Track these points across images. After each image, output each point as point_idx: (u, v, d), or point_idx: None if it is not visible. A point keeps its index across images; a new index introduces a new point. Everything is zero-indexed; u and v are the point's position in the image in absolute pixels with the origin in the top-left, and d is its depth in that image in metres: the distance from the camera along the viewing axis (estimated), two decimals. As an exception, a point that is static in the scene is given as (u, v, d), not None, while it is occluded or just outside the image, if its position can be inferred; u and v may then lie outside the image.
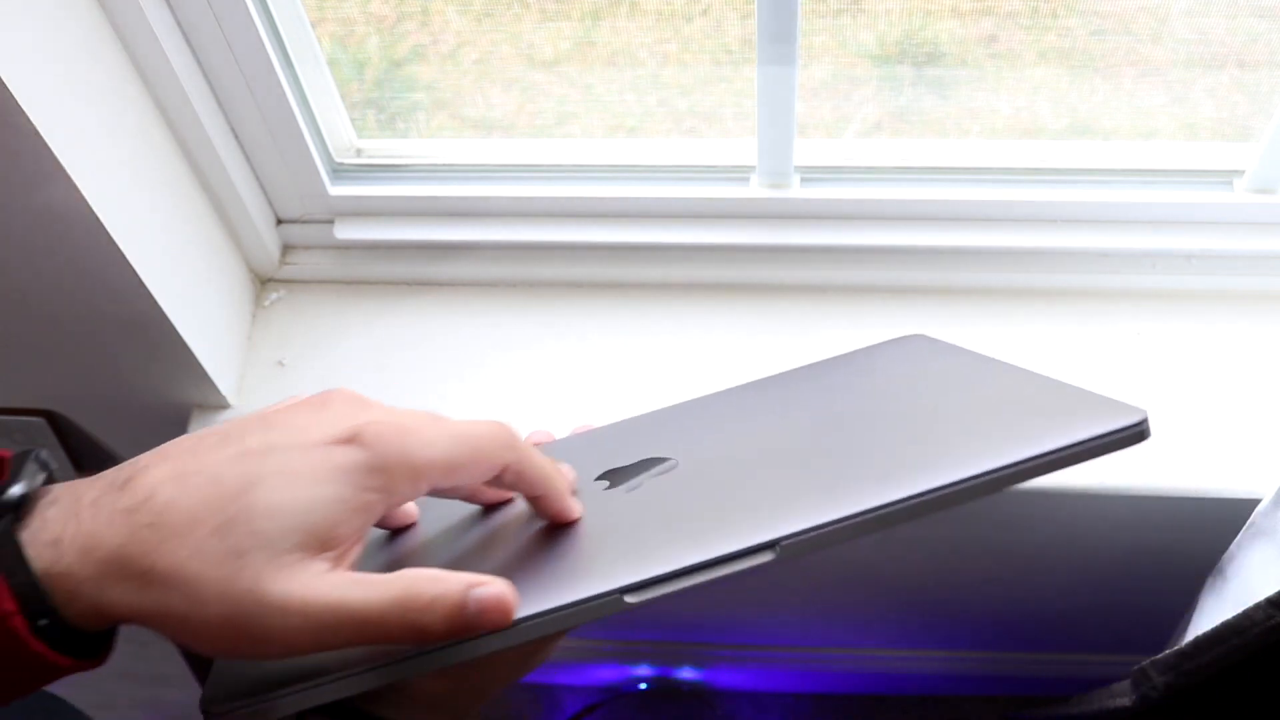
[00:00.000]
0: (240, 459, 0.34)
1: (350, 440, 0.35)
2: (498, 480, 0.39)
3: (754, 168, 0.71)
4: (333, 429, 0.35)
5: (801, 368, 0.57)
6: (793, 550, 0.37)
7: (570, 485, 0.43)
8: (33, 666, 0.33)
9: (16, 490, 0.33)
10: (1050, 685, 1.09)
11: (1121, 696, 0.59)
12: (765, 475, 0.43)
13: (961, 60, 0.67)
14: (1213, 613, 0.63)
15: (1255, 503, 0.63)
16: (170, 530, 0.32)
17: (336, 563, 0.35)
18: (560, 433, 0.54)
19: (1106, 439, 0.38)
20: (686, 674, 1.15)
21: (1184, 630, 0.67)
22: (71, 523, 0.33)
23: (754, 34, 0.62)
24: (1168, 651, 0.56)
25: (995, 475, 0.37)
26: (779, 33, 0.62)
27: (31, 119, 0.51)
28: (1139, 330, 0.71)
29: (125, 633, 0.37)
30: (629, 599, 0.37)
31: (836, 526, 0.37)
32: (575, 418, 0.57)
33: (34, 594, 0.32)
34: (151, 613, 0.33)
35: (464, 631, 0.35)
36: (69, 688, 0.48)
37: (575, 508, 0.42)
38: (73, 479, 0.35)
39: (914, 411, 0.47)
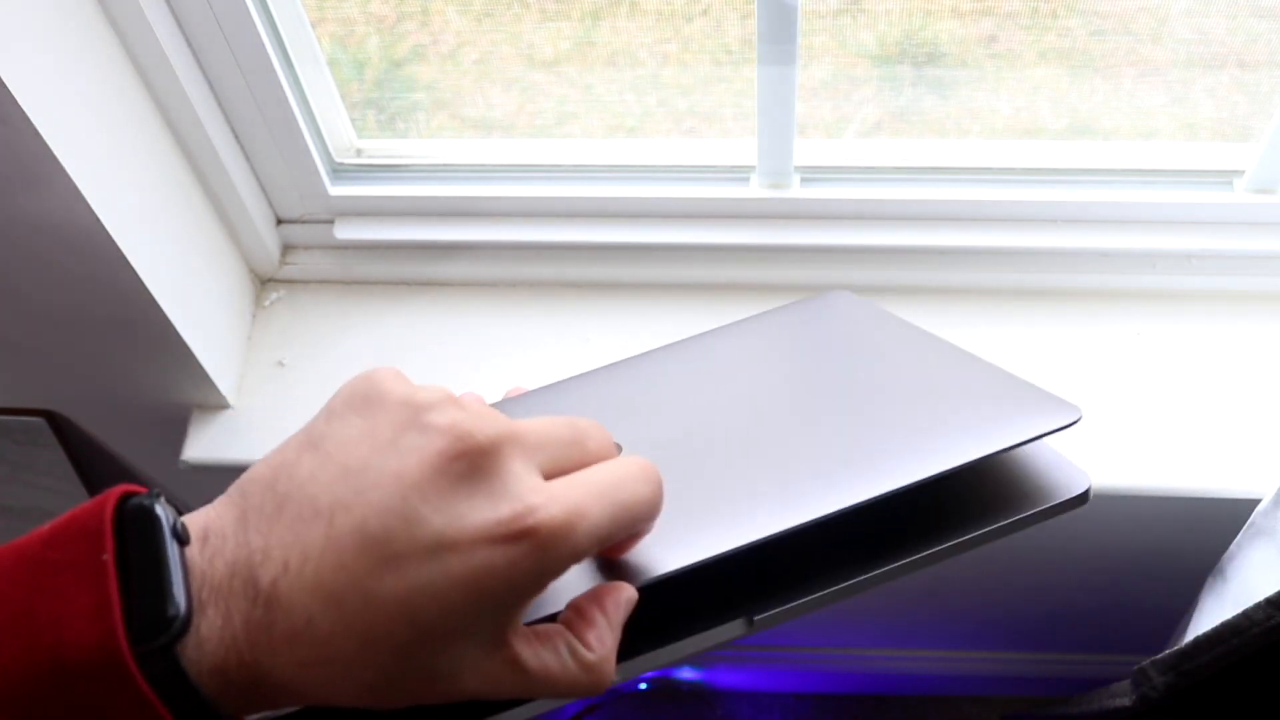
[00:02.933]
0: (394, 566, 0.30)
1: (518, 538, 0.30)
2: None
3: (754, 168, 0.71)
4: (493, 514, 0.30)
5: (726, 327, 0.54)
6: (766, 623, 0.38)
7: None
8: None
9: (181, 603, 0.29)
10: (1050, 685, 1.09)
11: (1121, 696, 0.59)
12: (720, 485, 0.41)
13: (961, 60, 0.67)
14: (1213, 613, 0.64)
15: (1255, 503, 0.63)
16: (343, 664, 0.30)
17: (514, 636, 0.32)
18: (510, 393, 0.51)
19: (1043, 438, 0.38)
20: (686, 674, 1.15)
21: (1184, 630, 0.67)
22: (233, 654, 0.30)
23: (754, 34, 0.62)
24: (1168, 651, 0.56)
25: (941, 475, 0.38)
26: (779, 33, 0.62)
27: (32, 120, 0.51)
28: (1139, 330, 0.71)
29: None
30: None
31: (808, 599, 0.38)
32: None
33: None
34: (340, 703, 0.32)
35: None
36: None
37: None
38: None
39: (860, 400, 0.45)
